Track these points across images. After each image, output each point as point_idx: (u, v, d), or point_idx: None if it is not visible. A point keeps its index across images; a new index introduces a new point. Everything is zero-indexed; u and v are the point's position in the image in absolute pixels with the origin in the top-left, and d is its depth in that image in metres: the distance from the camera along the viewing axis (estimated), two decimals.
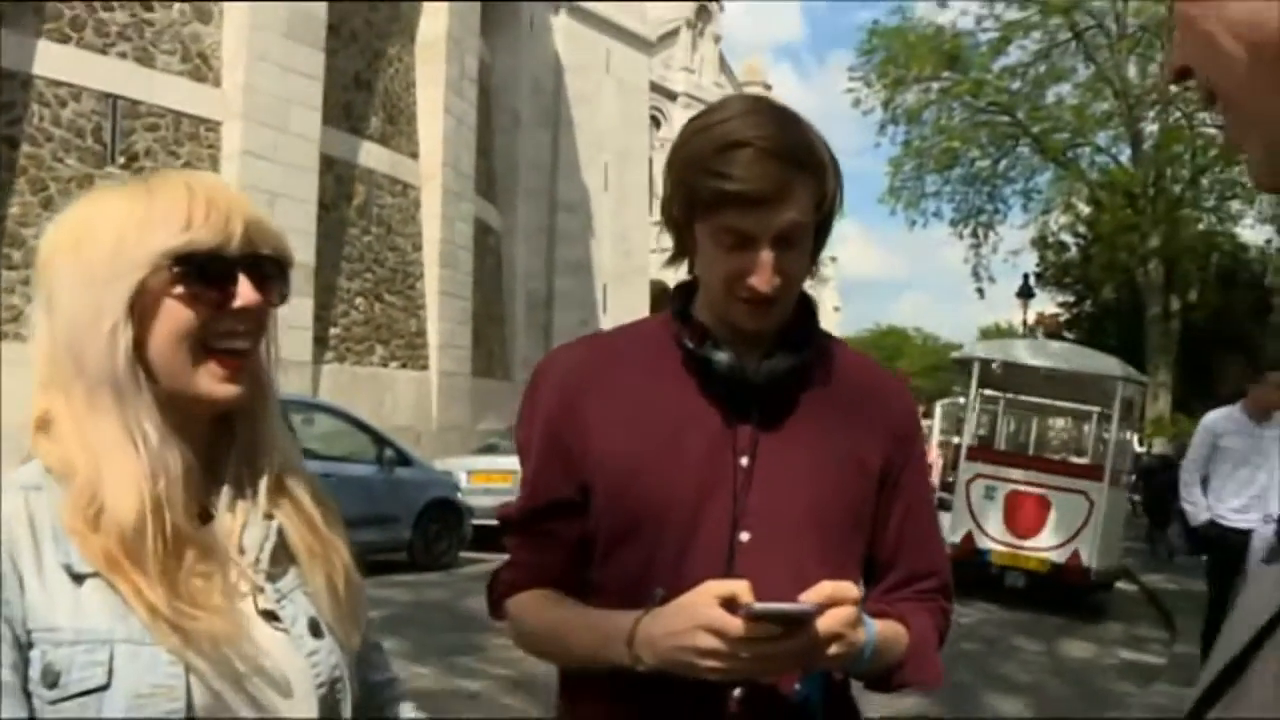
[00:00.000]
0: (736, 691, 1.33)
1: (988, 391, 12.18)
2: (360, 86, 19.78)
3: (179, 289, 1.04)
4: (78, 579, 1.00)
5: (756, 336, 1.39)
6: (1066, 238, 33.79)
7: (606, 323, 36.14)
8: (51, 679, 0.96)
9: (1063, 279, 36.19)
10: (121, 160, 15.32)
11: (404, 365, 20.18)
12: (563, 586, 1.45)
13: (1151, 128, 25.94)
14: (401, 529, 11.10)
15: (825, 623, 1.23)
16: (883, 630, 1.35)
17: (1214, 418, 6.84)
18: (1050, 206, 28.66)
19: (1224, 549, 6.41)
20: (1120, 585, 12.53)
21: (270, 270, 1.10)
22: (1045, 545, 9.96)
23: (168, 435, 1.05)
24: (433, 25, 21.57)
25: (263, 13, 16.67)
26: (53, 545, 1.00)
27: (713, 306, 1.41)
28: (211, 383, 1.07)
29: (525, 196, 31.30)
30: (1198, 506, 6.70)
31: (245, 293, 1.07)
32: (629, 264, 38.25)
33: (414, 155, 21.23)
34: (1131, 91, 25.28)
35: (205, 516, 1.10)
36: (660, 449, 1.38)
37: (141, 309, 1.04)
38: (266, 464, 1.14)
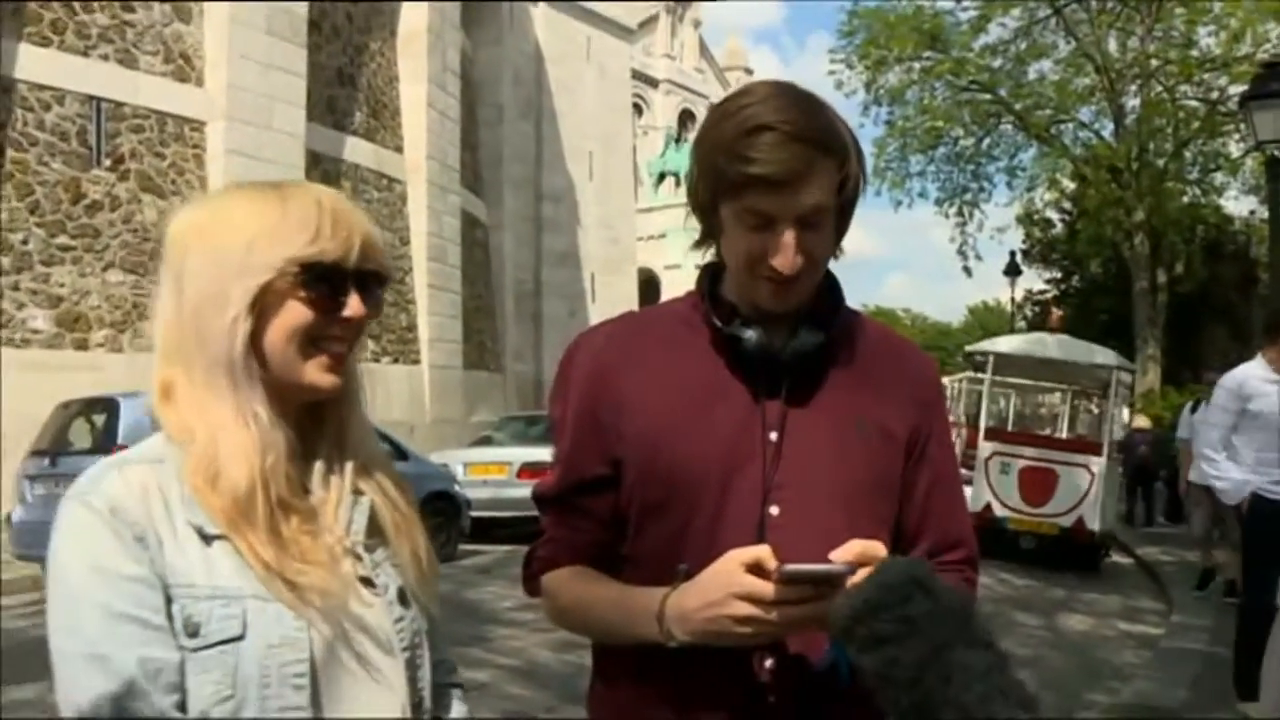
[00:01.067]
0: (768, 662, 1.36)
1: (997, 378, 13.90)
2: (343, 82, 19.75)
3: (301, 293, 1.17)
4: (207, 540, 1.12)
5: (782, 315, 1.42)
6: (1052, 214, 33.91)
7: (595, 312, 36.11)
8: (192, 629, 1.08)
9: (1049, 255, 36.29)
10: (108, 163, 15.29)
11: (396, 360, 20.18)
12: (597, 561, 1.48)
13: (1133, 102, 26.03)
14: None
15: (855, 581, 1.23)
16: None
17: (1240, 377, 5.78)
18: (1035, 183, 28.76)
19: (1271, 525, 5.41)
20: (1116, 559, 12.66)
21: (374, 285, 1.23)
22: (1054, 512, 11.48)
23: (275, 418, 1.17)
24: (413, 19, 21.53)
25: (243, 11, 16.63)
26: (183, 509, 1.12)
27: (738, 286, 1.44)
28: (317, 374, 1.19)
29: (511, 188, 31.26)
30: (1231, 480, 5.67)
31: (354, 305, 1.19)
32: (616, 252, 38.25)
33: (399, 149, 21.21)
34: (1113, 66, 25.36)
35: (304, 491, 1.22)
36: (690, 425, 1.41)
37: (263, 305, 1.16)
38: (353, 449, 1.27)
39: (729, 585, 1.26)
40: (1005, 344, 13.59)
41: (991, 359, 12.95)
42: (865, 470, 1.43)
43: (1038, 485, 11.64)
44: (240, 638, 1.09)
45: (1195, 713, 5.68)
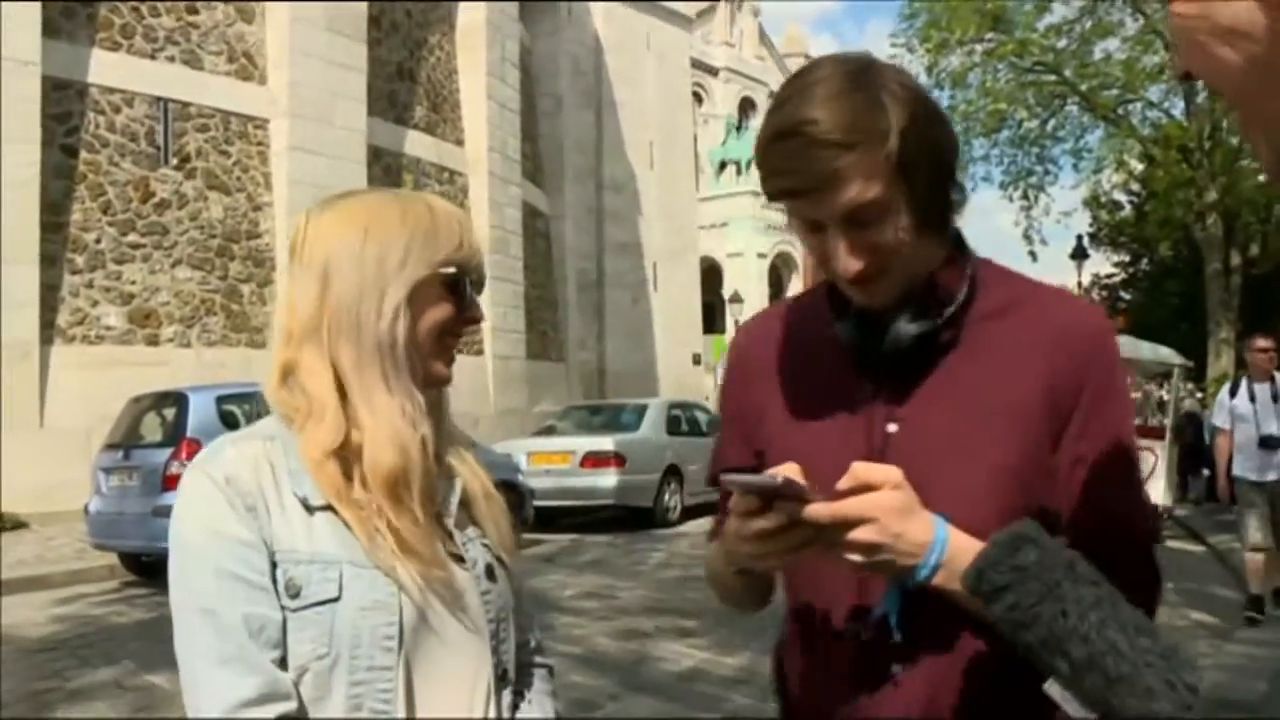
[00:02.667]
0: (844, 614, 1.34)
1: None
2: (403, 77, 19.93)
3: (449, 292, 1.32)
4: (310, 510, 1.22)
5: (897, 300, 1.32)
6: (1120, 196, 33.24)
7: (657, 301, 36.14)
8: (294, 591, 1.19)
9: (1117, 238, 35.65)
10: (175, 161, 15.59)
11: (460, 350, 20.29)
12: None
13: None
14: None
15: (845, 504, 1.16)
16: (966, 544, 1.18)
17: None
18: (1102, 165, 28.13)
19: None
20: (1186, 546, 12.45)
21: (480, 292, 1.38)
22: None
23: (423, 406, 1.30)
24: (471, 13, 21.67)
25: (304, 9, 16.87)
26: (290, 481, 1.23)
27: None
28: (442, 367, 1.34)
29: (572, 178, 31.35)
30: None
31: (478, 309, 1.37)
32: (678, 241, 38.20)
33: (459, 142, 21.36)
34: None
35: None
36: (805, 419, 1.40)
37: (416, 299, 1.29)
38: (447, 434, 1.38)
39: (733, 505, 1.24)
40: None
41: None
42: (988, 463, 1.29)
43: None
44: (336, 599, 1.19)
45: (1275, 709, 5.54)
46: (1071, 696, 0.98)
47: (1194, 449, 16.97)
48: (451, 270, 1.30)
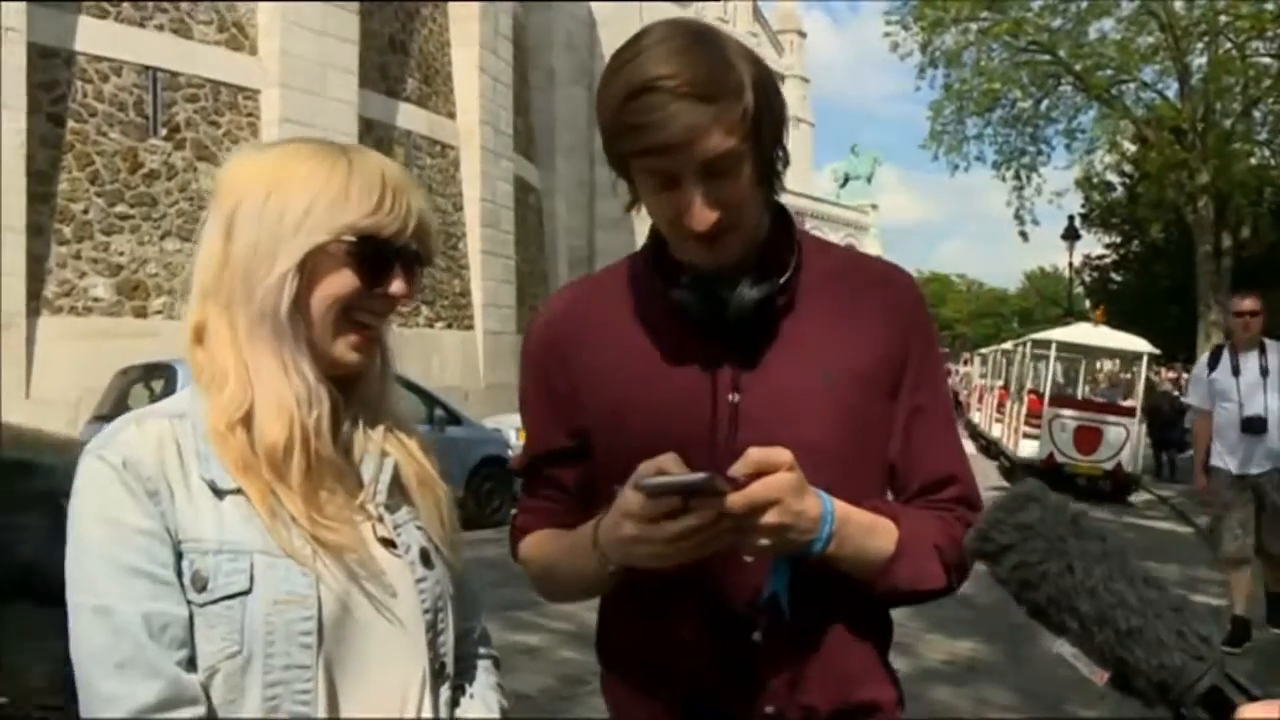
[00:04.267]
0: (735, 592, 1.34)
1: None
2: (395, 48, 19.77)
3: (350, 262, 1.17)
4: (219, 494, 1.12)
5: (732, 269, 1.34)
6: (1112, 177, 33.22)
7: None
8: (201, 584, 1.09)
9: (1109, 219, 35.63)
10: (164, 132, 15.45)
11: (450, 325, 20.30)
12: (571, 528, 1.46)
13: (1200, 60, 25.34)
14: (454, 487, 11.18)
15: (755, 490, 1.18)
16: (848, 512, 1.29)
17: None
18: (1095, 146, 28.11)
19: None
20: (1175, 527, 12.51)
21: (416, 267, 1.23)
22: (1101, 458, 15.78)
23: (320, 375, 1.18)
24: None
25: None
26: (197, 464, 1.13)
27: (672, 246, 1.37)
28: (345, 349, 1.19)
29: (564, 153, 31.23)
30: None
31: (398, 283, 1.20)
32: None
33: (451, 115, 21.23)
34: (1178, 23, 24.69)
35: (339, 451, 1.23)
36: (647, 392, 1.37)
37: (312, 266, 1.16)
38: (384, 411, 1.28)
39: (619, 505, 1.23)
40: (1060, 334, 18.07)
41: (1054, 346, 17.43)
42: (835, 424, 1.34)
43: (1087, 439, 15.86)
44: (247, 592, 1.08)
45: (1263, 685, 5.55)
46: (1083, 654, 0.97)
47: (1169, 426, 18.57)
48: (352, 239, 1.16)
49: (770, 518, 1.19)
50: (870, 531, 1.32)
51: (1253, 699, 0.89)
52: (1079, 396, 19.16)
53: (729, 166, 1.25)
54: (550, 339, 1.47)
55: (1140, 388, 16.96)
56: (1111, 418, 16.11)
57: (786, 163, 1.36)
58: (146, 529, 1.08)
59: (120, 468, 1.10)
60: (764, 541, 1.21)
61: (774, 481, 1.19)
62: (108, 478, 1.10)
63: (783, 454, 1.20)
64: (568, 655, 6.24)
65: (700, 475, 1.16)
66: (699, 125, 1.21)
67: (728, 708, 1.35)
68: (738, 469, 1.19)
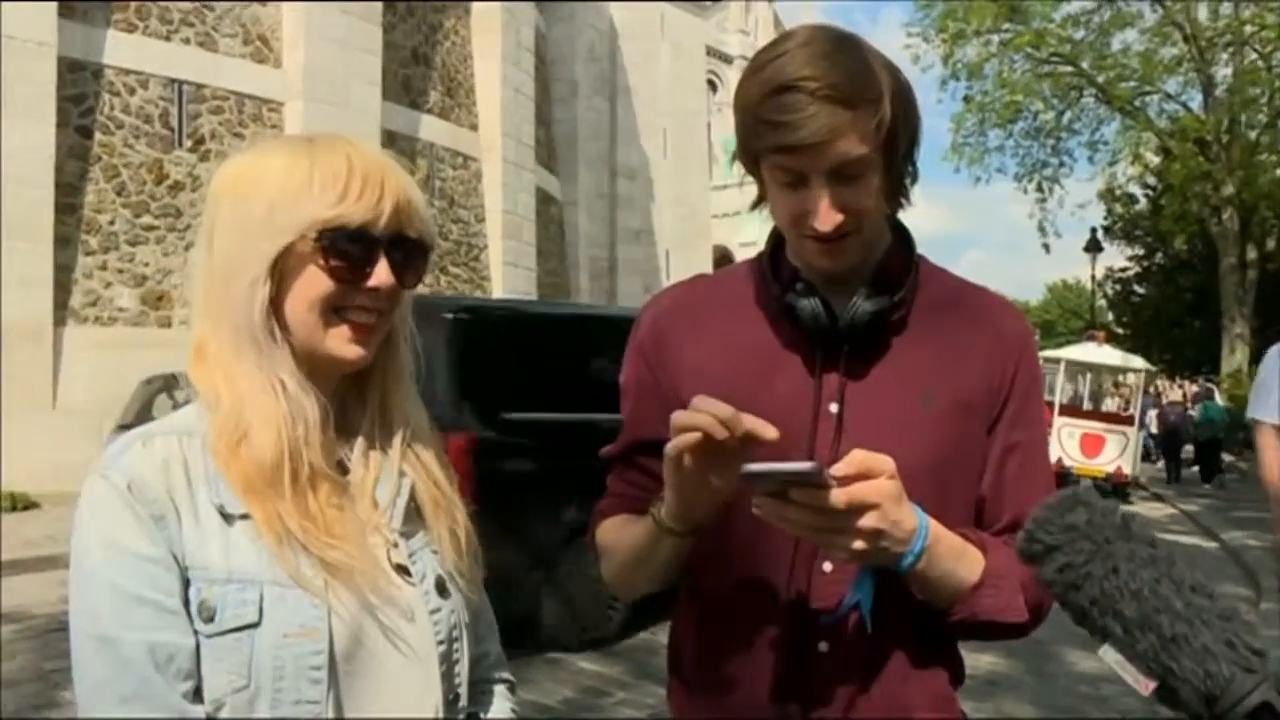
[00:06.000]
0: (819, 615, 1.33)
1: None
2: (418, 60, 19.89)
3: (321, 259, 1.09)
4: (229, 520, 1.06)
5: (848, 275, 1.35)
6: (1135, 189, 33.10)
7: None
8: (208, 614, 1.03)
9: (1132, 231, 35.45)
10: (189, 144, 15.58)
11: None
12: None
13: (1224, 71, 25.21)
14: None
15: (857, 490, 1.16)
16: (940, 532, 1.26)
17: None
18: (1117, 157, 28.04)
19: None
20: (1200, 542, 12.41)
21: (410, 253, 1.15)
22: (1103, 462, 17.54)
23: (305, 385, 1.11)
24: None
25: None
26: (206, 487, 1.07)
27: (791, 248, 1.39)
28: (340, 344, 1.12)
29: (585, 165, 31.28)
30: None
31: (381, 274, 1.11)
32: (691, 228, 38.13)
33: (474, 127, 21.32)
34: (1202, 34, 24.57)
35: (341, 470, 1.16)
36: (748, 396, 1.31)
37: (284, 269, 1.09)
38: (398, 426, 1.21)
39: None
40: (1068, 353, 20.00)
41: (1063, 363, 19.13)
42: (931, 447, 1.33)
43: (1093, 445, 17.78)
44: (256, 624, 1.03)
45: None
46: (1127, 661, 0.94)
47: (1173, 435, 20.75)
48: (328, 230, 1.08)
49: (868, 521, 1.17)
50: (960, 556, 1.30)
51: None
52: (1084, 408, 20.88)
53: (859, 173, 1.26)
54: (658, 331, 1.47)
55: (1138, 400, 19.30)
56: (1113, 427, 18.28)
57: (915, 178, 1.36)
58: (151, 555, 1.03)
59: (125, 490, 1.04)
60: (856, 545, 1.19)
61: (877, 485, 1.17)
62: (112, 500, 1.04)
63: (886, 460, 1.19)
64: (588, 666, 6.24)
65: (807, 465, 1.13)
66: (835, 128, 1.22)
67: (781, 716, 1.34)
68: (841, 468, 1.17)
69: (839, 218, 1.27)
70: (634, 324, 1.53)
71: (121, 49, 14.77)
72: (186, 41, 15.68)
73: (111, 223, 14.64)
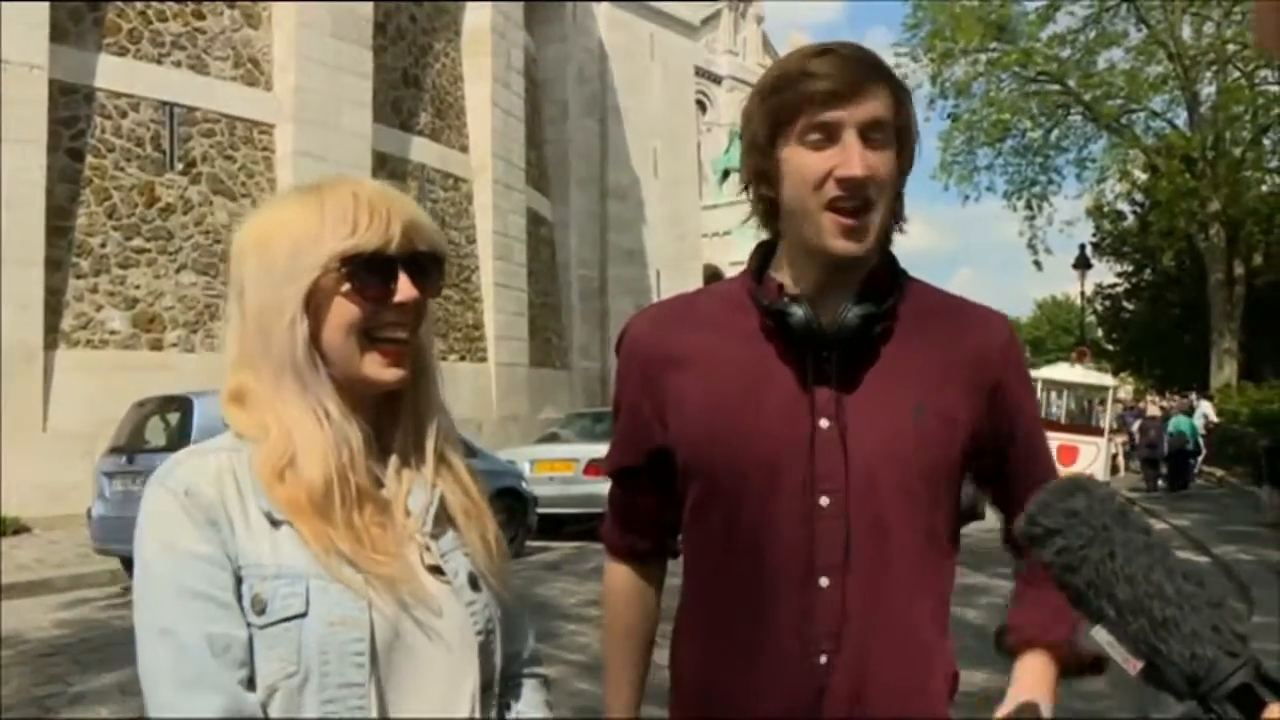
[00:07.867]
0: (822, 659, 1.36)
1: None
2: (409, 83, 19.96)
3: (347, 287, 1.19)
4: (275, 524, 1.17)
5: (835, 293, 1.37)
6: (1123, 206, 33.27)
7: None
8: (260, 606, 1.14)
9: (1120, 248, 35.62)
10: (180, 166, 15.61)
11: (463, 358, 20.37)
12: (651, 536, 1.56)
13: (1209, 89, 25.42)
14: None
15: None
16: (1046, 681, 1.44)
17: None
18: (1105, 175, 28.23)
19: None
20: (1192, 556, 12.46)
21: (427, 265, 1.24)
22: (1076, 470, 16.95)
23: (347, 413, 1.21)
24: (477, 19, 21.71)
25: (309, 13, 16.90)
26: (254, 495, 1.18)
27: (803, 228, 1.36)
28: (377, 369, 1.22)
29: (576, 186, 31.36)
30: None
31: (404, 288, 1.21)
32: (682, 249, 38.19)
33: (464, 149, 21.39)
34: (1186, 53, 24.78)
35: (378, 483, 1.26)
36: (737, 412, 1.37)
37: (316, 304, 1.20)
38: (430, 437, 1.30)
39: None
40: (1044, 373, 21.46)
41: (1040, 381, 19.78)
42: (921, 459, 1.36)
43: (1066, 454, 18.78)
44: (303, 615, 1.14)
45: None
46: (1117, 641, 0.98)
47: (1153, 447, 21.57)
48: (347, 259, 1.18)
49: None
50: (1049, 672, 1.47)
51: None
52: (1061, 421, 22.63)
53: (884, 142, 1.32)
54: (642, 352, 1.49)
55: (1108, 413, 21.50)
56: (1085, 438, 20.20)
57: (901, 215, 1.41)
58: (206, 555, 1.14)
59: (182, 496, 1.15)
60: None
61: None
62: (170, 505, 1.15)
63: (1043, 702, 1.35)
64: (583, 687, 6.23)
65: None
66: (871, 82, 1.31)
67: None
68: (1003, 710, 1.33)
69: (867, 171, 1.30)
70: (617, 347, 1.54)
71: (113, 72, 14.80)
72: (178, 65, 15.72)
73: (103, 245, 14.64)
